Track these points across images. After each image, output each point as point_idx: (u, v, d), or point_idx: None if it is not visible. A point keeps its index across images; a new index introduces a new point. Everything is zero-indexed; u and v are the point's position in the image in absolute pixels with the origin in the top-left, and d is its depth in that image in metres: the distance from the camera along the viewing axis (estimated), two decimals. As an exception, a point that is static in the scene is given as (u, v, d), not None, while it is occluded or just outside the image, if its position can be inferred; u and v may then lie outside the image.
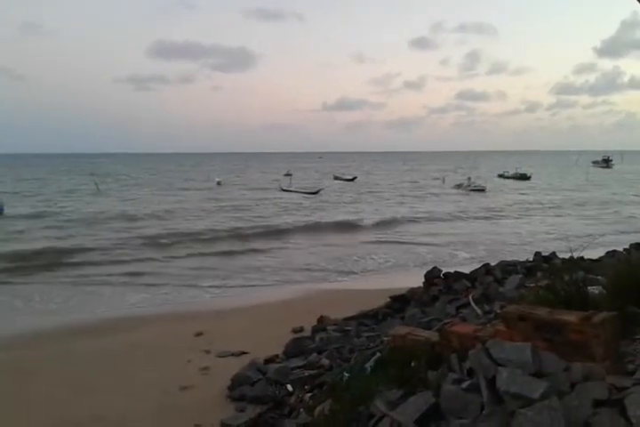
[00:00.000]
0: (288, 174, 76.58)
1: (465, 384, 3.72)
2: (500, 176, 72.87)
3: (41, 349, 9.62)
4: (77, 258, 19.27)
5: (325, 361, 7.24)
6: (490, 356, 3.75)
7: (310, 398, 5.56)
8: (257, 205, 38.02)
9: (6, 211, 33.59)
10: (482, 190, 50.00)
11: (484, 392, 3.57)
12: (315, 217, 31.08)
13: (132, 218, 31.32)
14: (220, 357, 8.99)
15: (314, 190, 50.10)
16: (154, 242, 22.22)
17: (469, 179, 55.67)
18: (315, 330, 9.70)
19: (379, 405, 4.14)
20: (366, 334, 8.52)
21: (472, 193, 48.82)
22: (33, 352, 9.48)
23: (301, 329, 10.14)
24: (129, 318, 11.72)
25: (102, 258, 19.33)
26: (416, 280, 11.60)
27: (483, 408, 3.51)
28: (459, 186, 54.66)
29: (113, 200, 43.19)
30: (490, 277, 10.61)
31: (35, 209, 35.79)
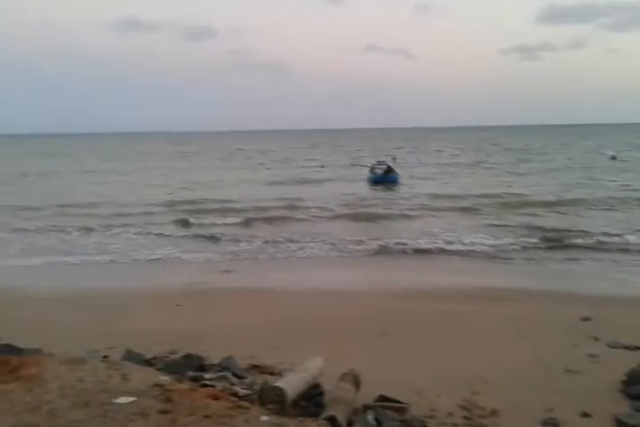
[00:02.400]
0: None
1: None
2: None
3: (426, 305, 10.63)
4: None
5: None
6: None
7: None
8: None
9: (401, 180, 35.85)
10: None
11: None
12: None
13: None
14: (612, 347, 8.19)
15: None
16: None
17: None
18: None
19: None
20: None
21: None
22: (421, 306, 10.60)
23: None
24: (507, 290, 11.91)
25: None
26: None
27: None
28: None
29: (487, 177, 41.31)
30: None
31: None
